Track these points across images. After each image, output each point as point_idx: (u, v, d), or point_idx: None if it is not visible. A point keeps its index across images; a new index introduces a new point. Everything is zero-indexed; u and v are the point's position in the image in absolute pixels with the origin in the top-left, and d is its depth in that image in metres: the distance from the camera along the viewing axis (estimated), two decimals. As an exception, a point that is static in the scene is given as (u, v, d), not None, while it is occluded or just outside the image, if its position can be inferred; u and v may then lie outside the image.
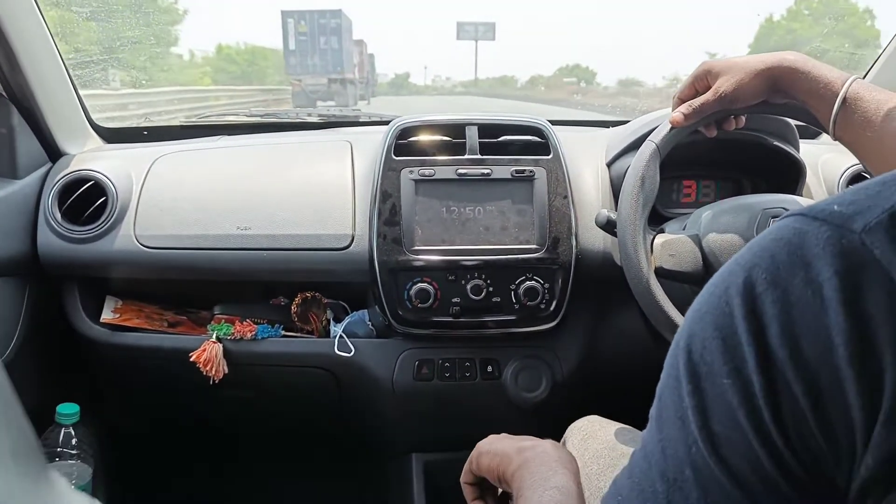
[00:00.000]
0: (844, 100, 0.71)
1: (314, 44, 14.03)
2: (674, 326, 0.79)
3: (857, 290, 0.30)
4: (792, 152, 1.04)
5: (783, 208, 0.84)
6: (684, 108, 0.82)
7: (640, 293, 0.82)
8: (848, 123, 0.71)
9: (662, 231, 0.97)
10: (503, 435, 0.66)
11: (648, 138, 0.86)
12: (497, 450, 0.61)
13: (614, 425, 0.83)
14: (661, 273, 0.83)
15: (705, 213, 0.89)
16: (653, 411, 0.38)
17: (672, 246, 0.85)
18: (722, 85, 0.79)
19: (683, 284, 0.92)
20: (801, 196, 1.06)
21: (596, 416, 0.87)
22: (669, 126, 0.84)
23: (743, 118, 0.87)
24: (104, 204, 1.05)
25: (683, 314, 0.81)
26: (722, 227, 0.84)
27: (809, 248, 0.31)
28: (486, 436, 1.14)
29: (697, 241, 0.85)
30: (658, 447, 0.36)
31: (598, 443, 0.79)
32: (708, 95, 0.80)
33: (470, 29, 20.48)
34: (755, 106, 0.80)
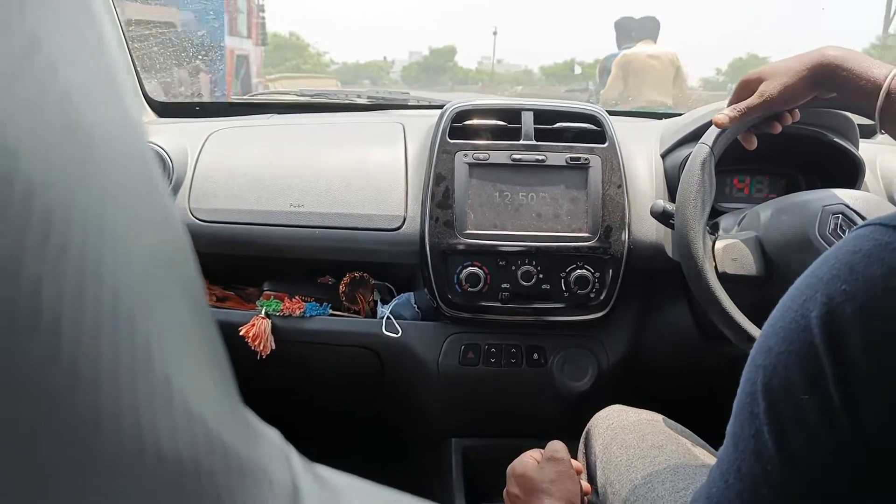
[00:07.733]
0: (888, 93, 0.69)
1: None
2: (741, 331, 0.78)
3: None
4: (851, 149, 1.03)
5: (844, 204, 0.82)
6: (730, 110, 0.82)
7: (705, 300, 0.81)
8: (894, 117, 0.69)
9: (717, 225, 0.96)
10: (528, 457, 0.71)
11: (701, 140, 0.86)
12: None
13: (638, 413, 0.83)
14: (724, 278, 0.83)
15: (763, 213, 0.88)
16: (728, 429, 0.37)
17: (733, 250, 0.84)
18: (766, 89, 0.79)
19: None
20: None
21: (619, 406, 0.87)
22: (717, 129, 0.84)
23: (797, 112, 0.86)
24: None
25: (746, 314, 0.80)
26: (782, 226, 0.84)
27: (892, 259, 0.31)
28: (526, 424, 1.15)
29: (758, 242, 0.85)
30: (734, 466, 0.36)
31: (626, 432, 0.79)
32: (753, 99, 0.80)
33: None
34: (804, 102, 0.79)
